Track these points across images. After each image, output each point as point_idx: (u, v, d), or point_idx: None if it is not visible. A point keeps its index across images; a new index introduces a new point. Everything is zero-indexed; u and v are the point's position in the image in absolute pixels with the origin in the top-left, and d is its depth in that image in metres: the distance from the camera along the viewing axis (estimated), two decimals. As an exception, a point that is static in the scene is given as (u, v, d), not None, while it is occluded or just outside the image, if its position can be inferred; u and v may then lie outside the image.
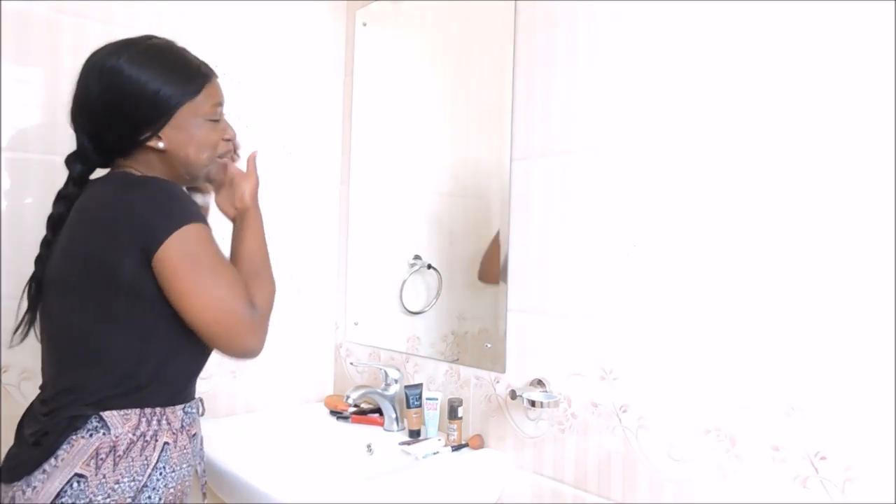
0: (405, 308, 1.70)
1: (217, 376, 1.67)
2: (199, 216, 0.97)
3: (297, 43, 1.83)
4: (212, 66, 1.08)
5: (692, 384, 1.09)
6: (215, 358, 1.05)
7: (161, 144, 1.00)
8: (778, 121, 1.01)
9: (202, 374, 1.00)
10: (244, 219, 1.12)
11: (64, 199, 1.02)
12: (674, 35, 1.14)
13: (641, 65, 1.18)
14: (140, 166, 1.03)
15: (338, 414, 1.67)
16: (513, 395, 1.29)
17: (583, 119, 1.27)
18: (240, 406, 1.72)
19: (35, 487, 0.90)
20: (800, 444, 0.97)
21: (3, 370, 1.36)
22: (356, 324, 1.86)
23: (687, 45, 1.12)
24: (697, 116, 1.10)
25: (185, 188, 1.06)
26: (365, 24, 1.86)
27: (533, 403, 1.23)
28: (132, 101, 0.98)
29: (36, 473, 0.91)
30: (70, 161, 1.03)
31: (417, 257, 1.70)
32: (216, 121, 1.07)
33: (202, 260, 0.94)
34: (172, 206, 0.95)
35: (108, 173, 1.03)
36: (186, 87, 1.01)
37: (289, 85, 1.81)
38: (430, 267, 1.68)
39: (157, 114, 0.99)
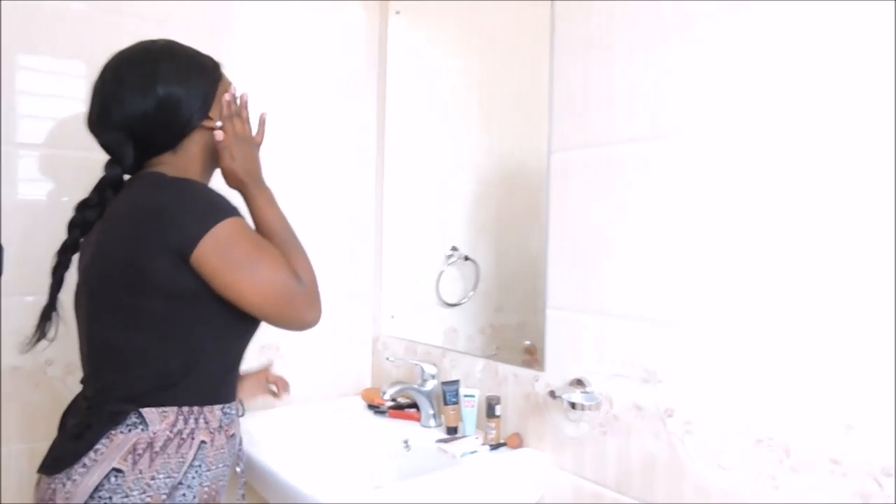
0: (442, 300, 1.68)
1: (256, 368, 1.67)
2: (230, 210, 0.96)
3: (328, 33, 1.80)
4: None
5: (743, 390, 1.03)
6: (253, 350, 1.05)
7: (218, 123, 1.04)
8: (852, 112, 0.93)
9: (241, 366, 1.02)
10: (245, 195, 1.07)
11: (97, 207, 1.02)
12: (723, 12, 1.06)
13: (684, 49, 1.11)
14: (168, 167, 1.02)
15: (375, 408, 1.66)
16: (552, 394, 1.25)
17: (625, 108, 1.21)
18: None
19: (75, 480, 0.91)
20: (862, 458, 0.90)
21: (48, 364, 1.39)
22: (392, 317, 1.84)
23: (741, 23, 1.04)
24: (758, 103, 1.03)
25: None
26: (398, 13, 1.82)
27: (573, 405, 1.19)
28: (189, 85, 1.01)
29: (76, 467, 0.92)
30: (109, 167, 1.02)
31: (454, 248, 1.67)
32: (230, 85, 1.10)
33: (239, 252, 0.94)
34: (203, 205, 0.95)
35: (139, 175, 1.03)
36: (217, 69, 1.09)
37: (321, 76, 1.79)
38: (466, 258, 1.65)
39: (210, 94, 1.05)
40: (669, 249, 1.14)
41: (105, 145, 1.02)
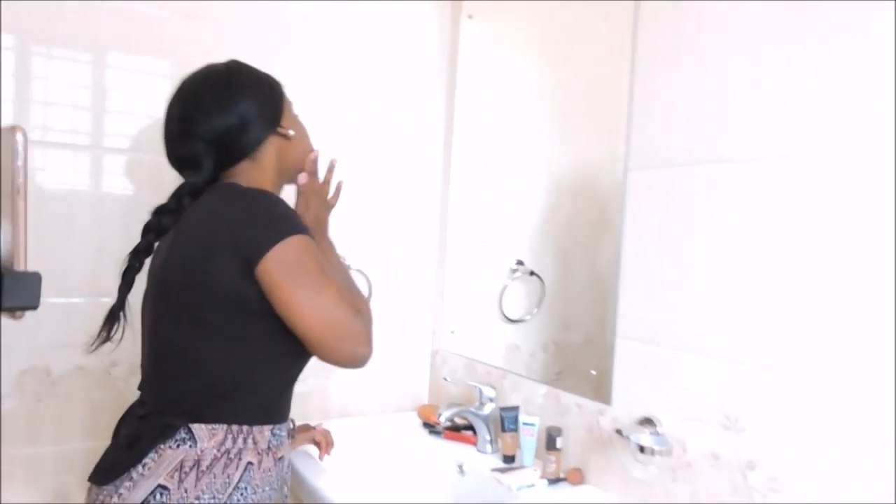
0: (504, 315, 1.61)
1: (312, 378, 1.66)
2: (301, 227, 0.95)
3: (399, 36, 1.76)
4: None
5: (845, 447, 0.91)
6: (312, 359, 1.01)
7: (291, 132, 1.08)
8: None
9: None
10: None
11: (173, 213, 1.02)
12: (858, 13, 0.94)
13: (800, 57, 0.99)
14: (243, 178, 1.03)
15: (430, 427, 1.61)
16: (619, 433, 1.16)
17: (717, 124, 1.10)
18: (334, 409, 1.71)
19: (121, 494, 0.91)
20: None
21: (112, 365, 1.41)
22: (452, 332, 1.79)
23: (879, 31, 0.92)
24: (870, 122, 0.91)
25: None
26: (471, 17, 1.76)
27: (642, 449, 1.09)
28: (261, 89, 1.06)
29: (124, 480, 0.91)
30: (188, 175, 1.03)
31: (520, 263, 1.60)
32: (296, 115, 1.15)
33: (305, 270, 0.93)
34: (274, 217, 0.94)
35: (215, 185, 1.03)
36: (281, 85, 1.12)
37: (388, 79, 1.75)
38: (532, 273, 1.58)
39: (280, 100, 1.09)
40: (763, 283, 1.02)
41: (187, 156, 1.03)
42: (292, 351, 0.99)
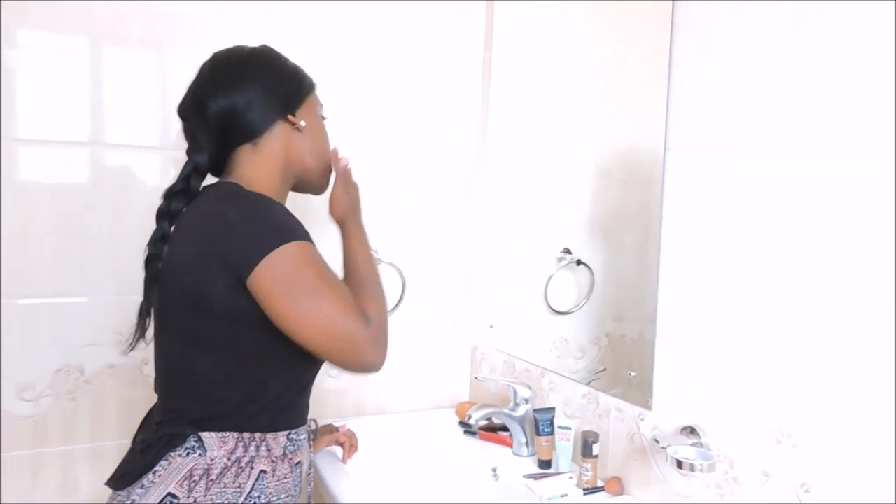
0: (550, 307, 1.51)
1: (347, 375, 1.62)
2: (296, 234, 0.89)
3: (432, 16, 1.68)
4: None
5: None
6: None
7: (303, 123, 1.01)
8: None
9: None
10: (343, 228, 1.09)
11: (182, 194, 0.98)
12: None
13: (841, 31, 0.84)
14: (247, 167, 0.99)
15: (466, 426, 1.54)
16: (657, 442, 1.05)
17: (774, 96, 0.96)
18: (370, 405, 1.67)
19: (133, 500, 0.90)
20: None
21: (143, 363, 1.42)
22: (491, 326, 1.70)
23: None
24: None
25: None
26: (505, -7, 1.65)
27: (680, 464, 0.97)
28: (280, 75, 1.01)
29: (136, 487, 0.90)
30: (191, 152, 1.00)
31: (567, 251, 1.50)
32: (323, 118, 1.09)
33: (300, 281, 0.87)
34: (266, 226, 0.89)
35: (216, 184, 0.99)
36: (309, 80, 1.06)
37: (424, 66, 1.68)
38: (579, 263, 1.47)
39: (299, 91, 1.03)
40: (827, 284, 0.88)
41: (192, 133, 1.00)
42: (301, 359, 0.94)
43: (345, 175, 1.10)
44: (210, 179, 1.02)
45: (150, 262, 0.99)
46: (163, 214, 0.99)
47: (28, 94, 1.32)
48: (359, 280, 1.01)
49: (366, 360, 0.93)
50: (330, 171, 1.10)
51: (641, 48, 1.24)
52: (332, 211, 1.09)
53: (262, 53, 1.03)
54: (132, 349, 0.99)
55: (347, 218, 1.08)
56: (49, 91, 1.33)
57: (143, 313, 1.00)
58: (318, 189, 1.10)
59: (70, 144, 1.35)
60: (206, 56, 1.02)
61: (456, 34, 1.71)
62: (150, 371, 1.40)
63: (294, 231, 0.90)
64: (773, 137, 0.94)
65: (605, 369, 1.35)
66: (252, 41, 1.05)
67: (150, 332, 0.99)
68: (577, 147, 1.45)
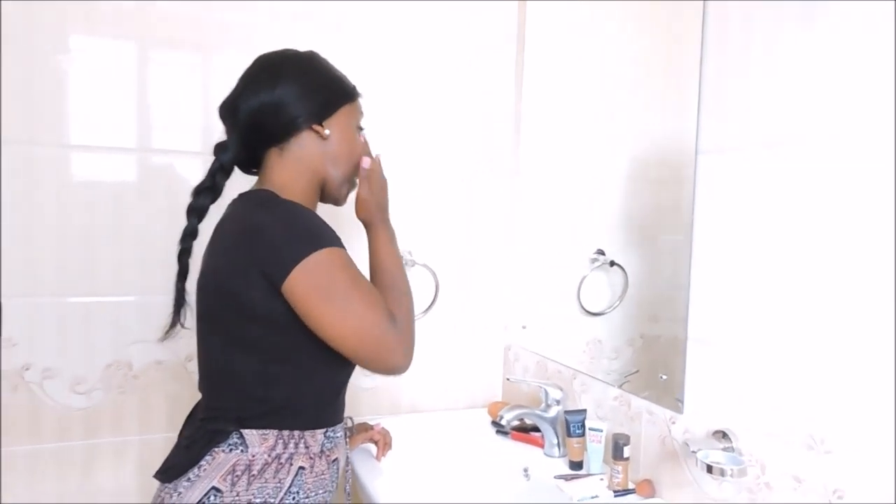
0: (584, 308, 1.51)
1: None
2: (327, 240, 0.92)
3: (466, 18, 1.70)
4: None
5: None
6: None
7: (328, 132, 1.01)
8: None
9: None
10: (369, 230, 1.10)
11: (209, 191, 1.02)
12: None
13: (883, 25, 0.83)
14: (274, 174, 1.01)
15: (498, 426, 1.55)
16: (687, 446, 1.04)
17: (811, 93, 0.94)
18: (405, 404, 1.70)
19: (180, 493, 0.94)
20: None
21: (188, 360, 1.48)
22: (524, 327, 1.71)
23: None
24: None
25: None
26: (538, -7, 1.66)
27: (710, 469, 0.97)
28: (314, 82, 1.02)
29: (182, 480, 0.94)
30: (220, 151, 1.03)
31: (600, 252, 1.49)
32: (360, 129, 1.09)
33: (332, 287, 0.91)
34: (299, 233, 0.91)
35: (253, 191, 1.02)
36: (348, 91, 1.06)
37: (457, 67, 1.70)
38: (613, 264, 1.47)
39: (332, 101, 1.03)
40: (862, 288, 0.86)
41: (226, 131, 1.04)
42: (336, 360, 0.97)
43: (370, 177, 1.09)
44: (247, 179, 1.06)
45: (182, 256, 1.04)
46: (192, 211, 1.03)
47: (78, 98, 1.39)
48: (385, 282, 1.03)
49: (392, 361, 0.95)
50: (351, 183, 1.09)
51: (672, 48, 1.23)
52: (358, 213, 1.10)
53: (301, 59, 1.04)
54: (167, 337, 1.03)
55: (374, 219, 1.09)
56: (98, 96, 1.40)
57: (178, 304, 1.04)
58: (336, 200, 1.09)
59: (119, 150, 1.42)
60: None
61: (489, 35, 1.72)
62: (193, 367, 1.47)
63: (325, 238, 0.92)
64: (808, 138, 0.93)
65: (637, 371, 1.35)
66: (301, 47, 1.06)
67: (186, 322, 1.03)
68: (609, 148, 1.45)
